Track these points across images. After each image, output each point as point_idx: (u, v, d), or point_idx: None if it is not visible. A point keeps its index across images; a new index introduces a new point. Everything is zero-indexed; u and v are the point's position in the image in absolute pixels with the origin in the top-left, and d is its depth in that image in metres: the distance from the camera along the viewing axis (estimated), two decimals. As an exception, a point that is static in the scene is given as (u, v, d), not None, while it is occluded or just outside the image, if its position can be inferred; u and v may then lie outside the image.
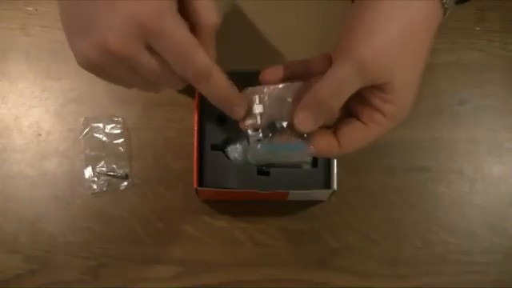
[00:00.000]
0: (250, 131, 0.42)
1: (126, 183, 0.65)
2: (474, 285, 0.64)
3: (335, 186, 0.58)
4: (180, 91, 0.65)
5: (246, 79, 0.62)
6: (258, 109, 0.41)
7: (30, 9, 0.68)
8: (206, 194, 0.62)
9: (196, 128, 0.59)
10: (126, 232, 0.64)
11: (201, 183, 0.59)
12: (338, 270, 0.64)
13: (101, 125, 0.66)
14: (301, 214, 0.65)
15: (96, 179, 0.65)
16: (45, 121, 0.67)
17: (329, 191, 0.59)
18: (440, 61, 0.68)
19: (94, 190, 0.65)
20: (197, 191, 0.59)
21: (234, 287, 0.63)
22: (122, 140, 0.66)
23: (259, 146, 0.42)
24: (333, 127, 0.42)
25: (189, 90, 0.60)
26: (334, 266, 0.64)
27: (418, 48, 0.39)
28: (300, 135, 0.41)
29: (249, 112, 0.42)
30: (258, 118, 0.41)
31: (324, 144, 0.41)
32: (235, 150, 0.61)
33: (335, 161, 0.58)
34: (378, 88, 0.38)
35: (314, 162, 0.60)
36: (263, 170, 0.60)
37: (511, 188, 0.66)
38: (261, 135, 0.42)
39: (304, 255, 0.64)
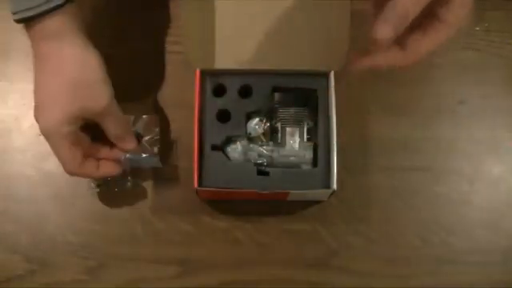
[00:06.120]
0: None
1: (125, 183, 0.65)
2: (474, 285, 0.64)
3: (335, 185, 0.58)
4: (181, 91, 0.64)
5: (244, 78, 0.62)
6: None
7: (30, 9, 0.68)
8: (206, 194, 0.62)
9: (196, 128, 0.59)
10: (126, 232, 0.64)
11: (201, 183, 0.59)
12: (338, 270, 0.64)
13: (101, 125, 0.66)
14: (301, 214, 0.65)
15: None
16: (45, 121, 0.66)
17: (329, 191, 0.59)
18: (440, 61, 0.68)
19: (94, 190, 0.65)
20: (197, 191, 0.59)
21: (234, 287, 0.64)
22: (122, 140, 0.66)
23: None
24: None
25: (189, 90, 0.61)
26: (334, 266, 0.64)
27: None
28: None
29: None
30: None
31: (391, 54, 0.45)
32: (235, 150, 0.61)
33: (335, 161, 0.58)
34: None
35: (314, 162, 0.60)
36: (263, 170, 0.60)
37: (511, 188, 0.66)
38: None
39: (304, 255, 0.64)
